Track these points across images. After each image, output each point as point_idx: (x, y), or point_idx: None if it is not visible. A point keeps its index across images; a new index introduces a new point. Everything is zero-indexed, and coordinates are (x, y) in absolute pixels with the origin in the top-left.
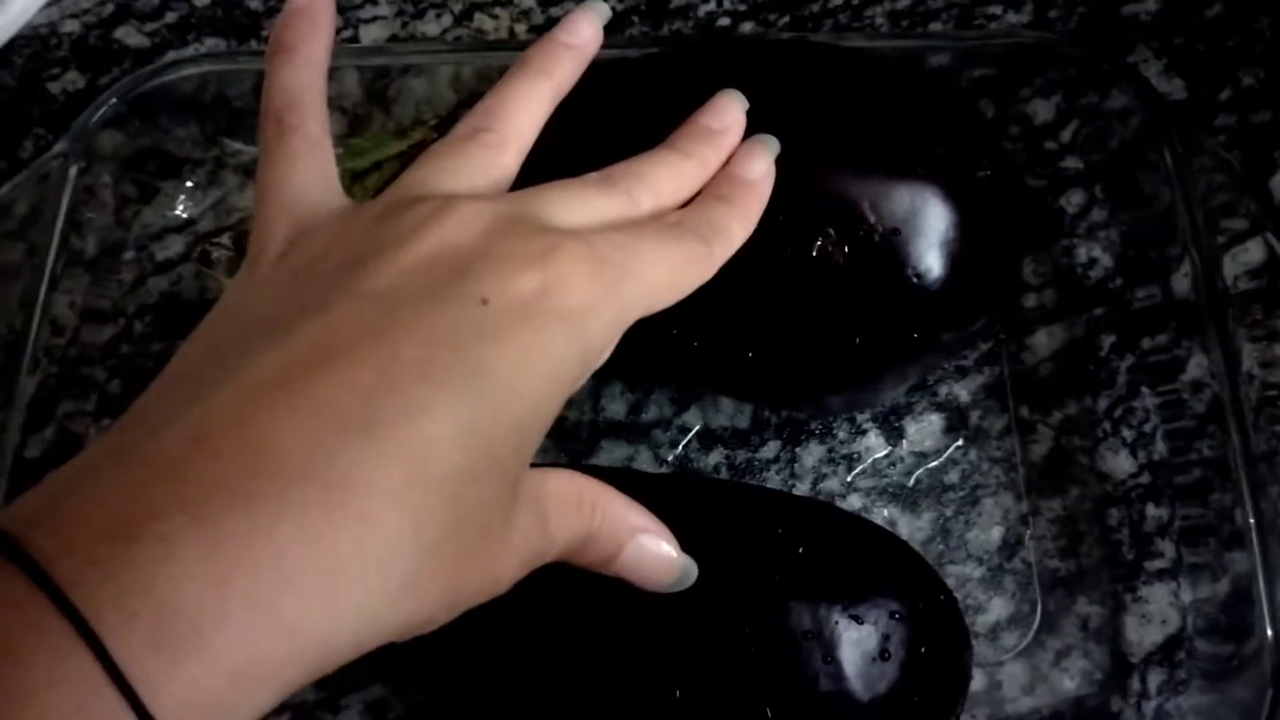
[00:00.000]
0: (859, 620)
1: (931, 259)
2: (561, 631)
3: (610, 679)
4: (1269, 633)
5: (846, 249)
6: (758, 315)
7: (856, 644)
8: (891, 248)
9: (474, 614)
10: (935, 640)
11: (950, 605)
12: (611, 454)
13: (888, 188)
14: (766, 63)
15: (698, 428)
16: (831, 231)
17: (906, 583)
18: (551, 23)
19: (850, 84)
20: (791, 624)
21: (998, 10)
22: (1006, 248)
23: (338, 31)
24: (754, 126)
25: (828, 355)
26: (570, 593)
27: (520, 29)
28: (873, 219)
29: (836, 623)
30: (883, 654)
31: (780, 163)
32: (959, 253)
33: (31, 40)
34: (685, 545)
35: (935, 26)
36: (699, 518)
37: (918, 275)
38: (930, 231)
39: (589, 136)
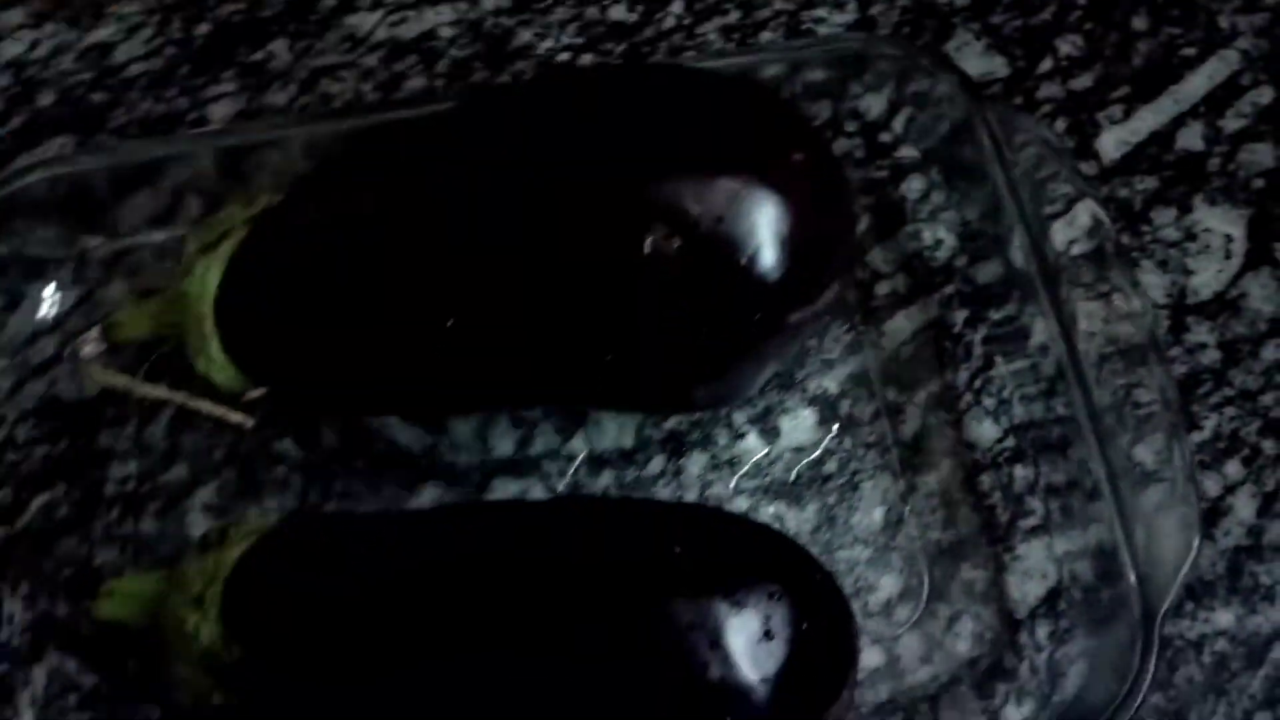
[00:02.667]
0: (739, 605)
1: (758, 241)
2: (444, 659)
3: (498, 693)
4: (1132, 576)
5: (676, 243)
6: (607, 318)
7: (740, 628)
8: (719, 236)
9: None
10: (816, 616)
11: (827, 582)
12: (505, 490)
13: (704, 179)
14: (572, 90)
15: (584, 453)
16: (660, 227)
17: (780, 565)
18: (396, 78)
19: (660, 91)
20: (676, 620)
21: (824, 12)
22: (835, 224)
23: (184, 114)
24: (571, 141)
25: (681, 347)
26: (449, 613)
27: (366, 88)
28: (696, 211)
29: (717, 611)
30: (766, 634)
31: (604, 172)
32: (785, 233)
33: None
34: (571, 564)
35: (766, 35)
36: (582, 536)
37: (749, 259)
38: (752, 216)
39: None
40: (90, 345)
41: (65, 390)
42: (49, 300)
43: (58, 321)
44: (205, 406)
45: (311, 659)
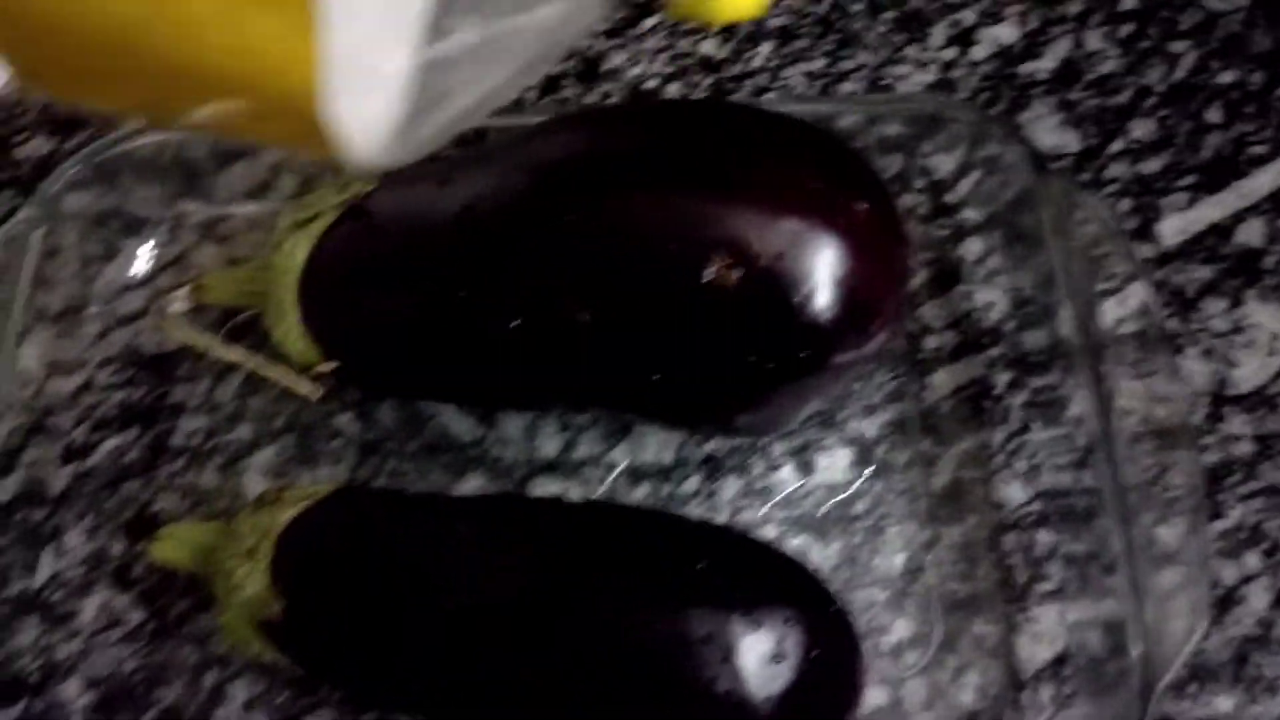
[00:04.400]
0: (754, 624)
1: (814, 282)
2: (467, 636)
3: (521, 688)
4: (1137, 649)
5: (735, 275)
6: (659, 338)
7: (751, 646)
8: (776, 272)
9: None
10: (827, 646)
11: (841, 616)
12: (545, 489)
13: (770, 217)
14: (658, 118)
15: (625, 464)
16: (720, 258)
17: (799, 594)
18: None
19: (740, 128)
20: (691, 630)
21: (907, 69)
22: (889, 276)
23: None
24: (648, 165)
25: (727, 374)
26: (478, 594)
27: None
28: (758, 245)
29: (733, 627)
30: (777, 656)
31: (675, 199)
32: (839, 278)
33: None
34: (596, 566)
35: (847, 86)
36: (610, 541)
37: (802, 298)
38: (811, 257)
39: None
40: (178, 302)
41: (147, 343)
42: (143, 256)
43: (149, 277)
44: (277, 373)
45: (347, 623)
